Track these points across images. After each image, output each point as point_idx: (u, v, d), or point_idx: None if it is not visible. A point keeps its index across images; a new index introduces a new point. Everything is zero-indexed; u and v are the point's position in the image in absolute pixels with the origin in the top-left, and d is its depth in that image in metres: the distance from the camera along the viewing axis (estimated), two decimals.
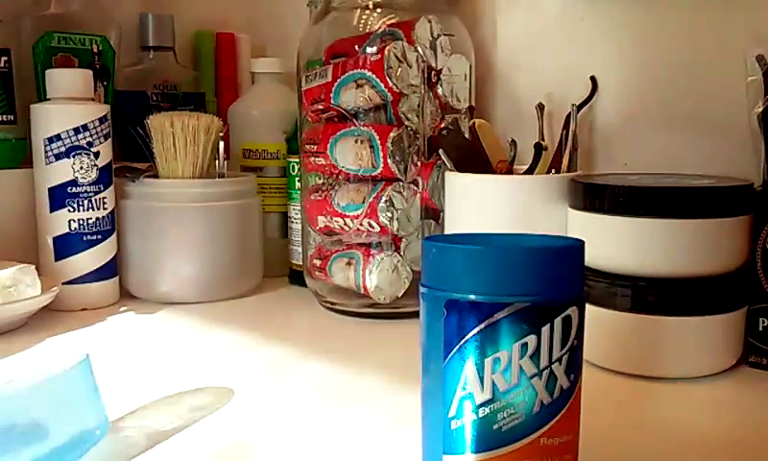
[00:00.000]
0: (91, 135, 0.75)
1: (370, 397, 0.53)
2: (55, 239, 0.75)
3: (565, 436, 0.36)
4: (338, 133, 0.72)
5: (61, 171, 0.74)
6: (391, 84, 0.67)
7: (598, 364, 0.57)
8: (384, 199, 0.69)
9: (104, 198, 0.76)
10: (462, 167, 0.67)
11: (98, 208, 0.76)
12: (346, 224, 0.72)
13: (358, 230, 0.72)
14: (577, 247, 0.37)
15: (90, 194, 0.75)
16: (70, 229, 0.75)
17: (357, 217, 0.71)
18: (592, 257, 0.53)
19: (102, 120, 0.75)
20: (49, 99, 0.75)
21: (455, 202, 0.67)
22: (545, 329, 0.34)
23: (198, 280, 0.79)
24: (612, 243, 0.56)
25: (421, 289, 0.37)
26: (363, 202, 0.71)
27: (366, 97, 0.69)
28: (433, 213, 0.73)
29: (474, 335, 0.34)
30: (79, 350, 0.64)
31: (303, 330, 0.72)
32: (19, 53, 0.82)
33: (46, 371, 0.43)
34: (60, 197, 0.74)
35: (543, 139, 0.72)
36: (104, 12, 0.88)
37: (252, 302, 0.82)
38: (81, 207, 0.75)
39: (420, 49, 0.70)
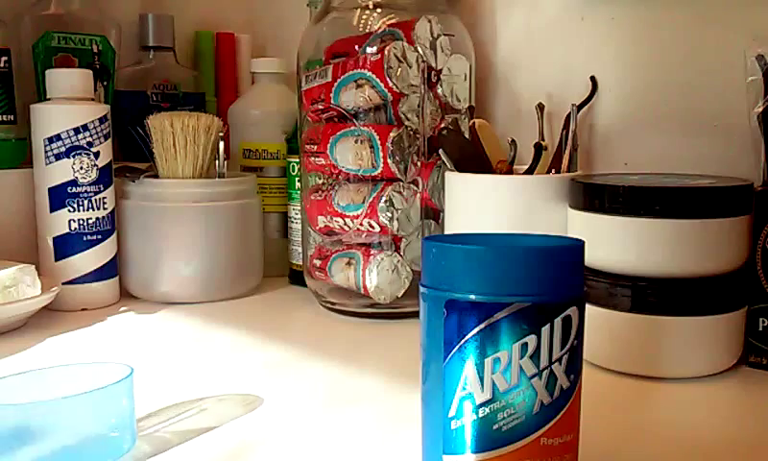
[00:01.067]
0: (91, 135, 0.75)
1: (370, 397, 0.53)
2: (55, 239, 0.75)
3: (565, 436, 0.36)
4: (338, 133, 0.72)
5: (61, 171, 0.74)
6: (391, 84, 0.67)
7: (598, 364, 0.57)
8: (384, 199, 0.69)
9: (104, 198, 0.76)
10: (462, 167, 0.67)
11: (98, 208, 0.76)
12: (346, 224, 0.72)
13: (358, 230, 0.72)
14: (577, 247, 0.37)
15: (90, 194, 0.75)
16: (70, 229, 0.75)
17: (357, 217, 0.71)
18: (592, 257, 0.53)
19: (102, 120, 0.75)
20: (49, 99, 0.75)
21: (455, 202, 0.67)
22: (545, 329, 0.34)
23: (198, 280, 0.79)
24: (612, 243, 0.56)
25: (421, 289, 0.37)
26: (363, 202, 0.71)
27: (366, 97, 0.69)
28: (433, 213, 0.73)
29: (474, 335, 0.34)
30: (79, 350, 0.64)
31: (303, 330, 0.72)
32: (19, 53, 0.82)
33: (86, 380, 0.44)
34: (59, 197, 0.74)
35: (543, 139, 0.72)
36: (104, 12, 0.89)
37: (252, 302, 0.82)
38: (81, 207, 0.75)
39: (420, 49, 0.70)
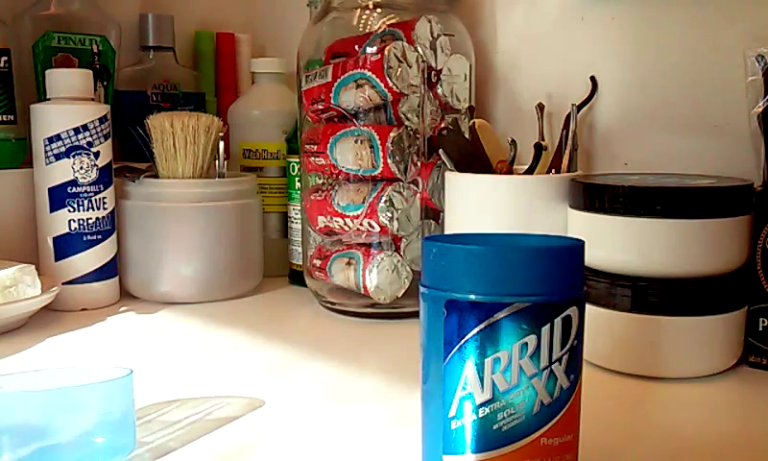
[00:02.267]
0: (91, 135, 0.75)
1: (370, 397, 0.53)
2: (55, 239, 0.75)
3: (565, 436, 0.36)
4: (338, 133, 0.72)
5: (61, 171, 0.74)
6: (391, 84, 0.67)
7: (598, 364, 0.57)
8: (384, 199, 0.69)
9: (104, 198, 0.76)
10: (462, 167, 0.67)
11: (98, 208, 0.76)
12: (346, 224, 0.72)
13: (358, 230, 0.72)
14: (577, 247, 0.37)
15: (90, 194, 0.75)
16: (70, 229, 0.75)
17: (357, 217, 0.71)
18: (592, 257, 0.53)
19: (102, 120, 0.75)
20: (49, 99, 0.75)
21: (455, 202, 0.67)
22: (545, 329, 0.34)
23: (198, 280, 0.79)
24: (612, 243, 0.56)
25: (421, 289, 0.37)
26: (363, 202, 0.71)
27: (366, 97, 0.69)
28: (433, 213, 0.73)
29: (474, 335, 0.34)
30: (79, 350, 0.64)
31: (303, 330, 0.72)
32: (19, 53, 0.82)
33: (85, 377, 0.44)
34: (60, 197, 0.74)
35: (543, 139, 0.72)
36: (104, 12, 0.89)
37: (252, 302, 0.82)
38: (81, 207, 0.75)
39: (420, 49, 0.70)
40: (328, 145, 0.72)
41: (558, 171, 0.67)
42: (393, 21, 0.72)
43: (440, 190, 0.71)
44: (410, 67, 0.69)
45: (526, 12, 0.80)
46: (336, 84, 0.70)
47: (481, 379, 0.34)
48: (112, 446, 0.42)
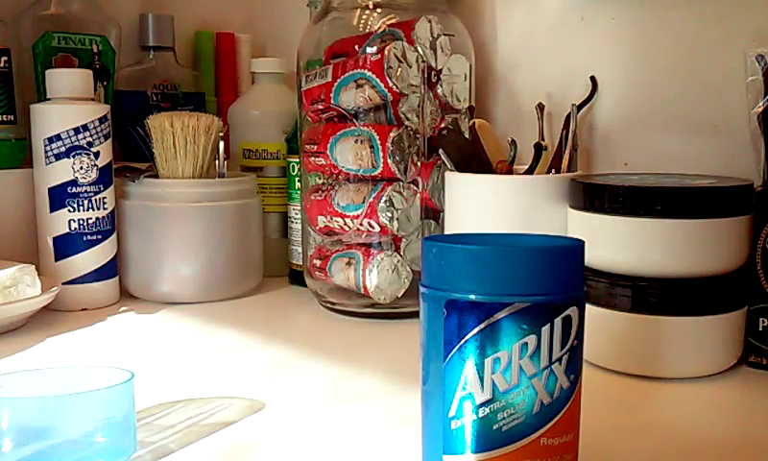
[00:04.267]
0: (91, 135, 0.75)
1: (370, 397, 0.53)
2: (55, 239, 0.75)
3: (565, 436, 0.36)
4: (338, 133, 0.72)
5: (61, 171, 0.74)
6: (391, 84, 0.67)
7: (598, 364, 0.57)
8: (384, 199, 0.69)
9: (104, 198, 0.76)
10: (462, 167, 0.67)
11: (98, 208, 0.76)
12: (346, 224, 0.72)
13: (358, 230, 0.72)
14: (577, 247, 0.37)
15: (90, 194, 0.75)
16: (70, 229, 0.75)
17: (357, 217, 0.71)
18: (592, 257, 0.53)
19: (102, 120, 0.75)
20: (49, 99, 0.75)
21: (455, 202, 0.67)
22: (545, 329, 0.34)
23: (198, 280, 0.79)
24: (612, 243, 0.56)
25: (421, 289, 0.37)
26: (363, 202, 0.71)
27: (366, 97, 0.69)
28: (433, 213, 0.73)
29: (474, 335, 0.34)
30: (79, 350, 0.64)
31: (303, 330, 0.72)
32: (19, 53, 0.82)
33: (89, 381, 0.44)
34: (59, 197, 0.74)
35: (543, 139, 0.72)
36: (104, 12, 0.89)
37: (252, 302, 0.82)
38: (81, 207, 0.75)
39: (420, 49, 0.70)
40: (328, 145, 0.72)
41: (558, 171, 0.67)
42: (393, 21, 0.72)
43: (440, 190, 0.71)
44: (410, 67, 0.69)
45: (526, 12, 0.80)
46: (336, 84, 0.70)
47: (481, 379, 0.34)
48: (113, 448, 0.42)
